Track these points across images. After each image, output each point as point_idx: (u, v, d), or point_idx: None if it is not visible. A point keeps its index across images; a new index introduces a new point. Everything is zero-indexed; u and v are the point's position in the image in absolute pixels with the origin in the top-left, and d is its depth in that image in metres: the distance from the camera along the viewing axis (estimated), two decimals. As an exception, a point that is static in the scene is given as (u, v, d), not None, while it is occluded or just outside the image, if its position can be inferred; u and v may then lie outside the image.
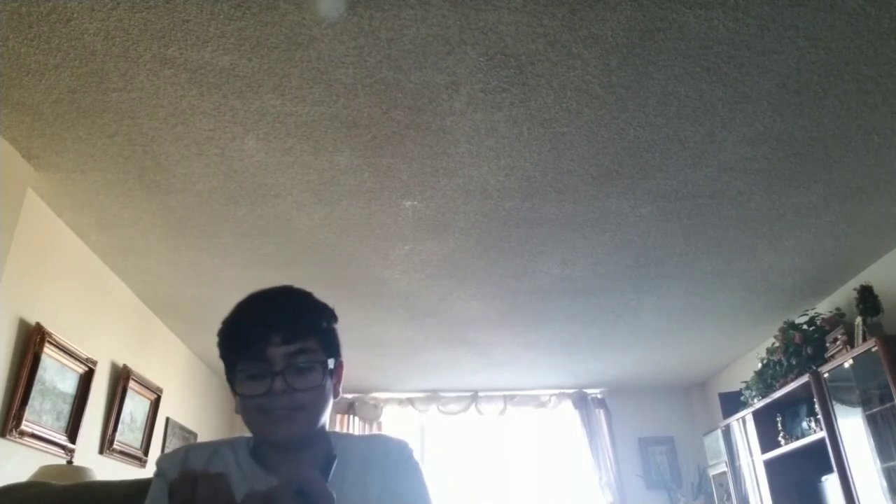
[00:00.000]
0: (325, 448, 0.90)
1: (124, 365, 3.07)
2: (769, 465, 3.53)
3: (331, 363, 0.89)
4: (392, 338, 3.83)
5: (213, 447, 0.91)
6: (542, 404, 5.05)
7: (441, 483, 4.79)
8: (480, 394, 5.02)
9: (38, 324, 2.34)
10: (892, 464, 2.52)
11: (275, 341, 0.84)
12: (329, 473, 0.73)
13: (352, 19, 1.58)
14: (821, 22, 1.63)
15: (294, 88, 1.81)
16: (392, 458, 0.92)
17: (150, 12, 1.55)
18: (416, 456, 0.96)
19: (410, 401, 4.99)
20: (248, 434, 0.91)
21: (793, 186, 2.37)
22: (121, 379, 3.03)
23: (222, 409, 4.55)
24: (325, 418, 0.90)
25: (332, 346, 0.91)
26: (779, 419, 3.52)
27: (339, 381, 0.94)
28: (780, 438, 3.48)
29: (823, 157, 2.20)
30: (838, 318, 3.06)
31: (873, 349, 2.63)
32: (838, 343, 2.99)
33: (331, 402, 0.90)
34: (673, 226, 2.62)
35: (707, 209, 2.50)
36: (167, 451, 3.59)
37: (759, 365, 3.68)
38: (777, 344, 3.45)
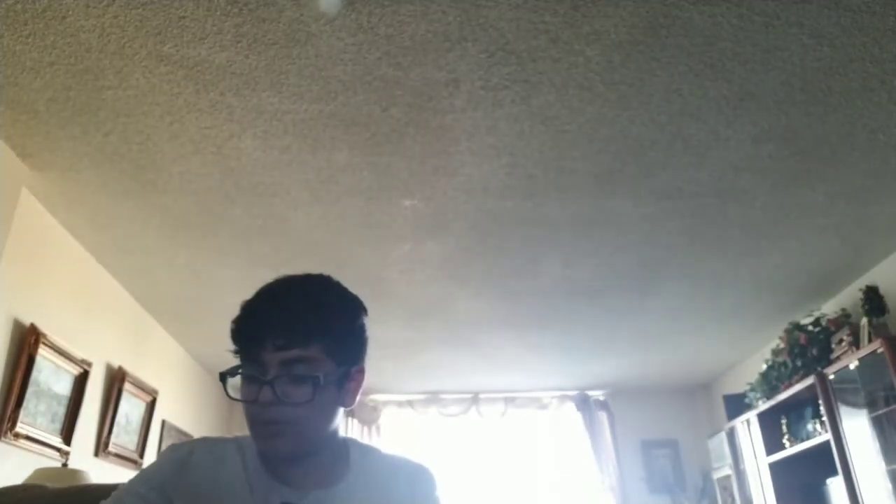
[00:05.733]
0: (333, 458, 0.85)
1: (119, 366, 3.04)
2: (774, 467, 3.50)
3: (337, 374, 0.80)
4: (391, 339, 3.80)
5: (221, 447, 0.86)
6: (544, 406, 5.02)
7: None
8: (481, 396, 4.98)
9: (32, 325, 2.32)
10: (898, 467, 2.50)
11: (268, 347, 0.77)
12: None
13: (350, 15, 1.56)
14: (826, 19, 1.61)
15: (292, 86, 1.78)
16: (420, 488, 0.88)
17: (146, 9, 1.53)
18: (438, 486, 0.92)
19: (410, 403, 4.96)
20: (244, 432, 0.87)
21: (798, 185, 2.34)
22: (116, 380, 3.00)
23: (219, 410, 4.51)
24: (328, 429, 0.83)
25: (346, 352, 0.82)
26: (783, 421, 3.49)
27: (354, 389, 0.85)
28: (784, 441, 3.45)
29: (829, 156, 2.17)
30: (844, 319, 3.03)
31: (879, 350, 2.60)
32: (844, 344, 2.96)
33: (334, 413, 0.83)
34: (676, 225, 2.60)
35: (711, 209, 2.47)
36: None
37: (764, 366, 3.64)
38: (782, 345, 3.42)
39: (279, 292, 0.83)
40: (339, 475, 0.85)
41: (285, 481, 0.82)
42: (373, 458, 0.90)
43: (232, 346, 0.82)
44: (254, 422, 0.79)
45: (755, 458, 3.69)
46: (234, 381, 0.81)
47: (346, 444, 0.89)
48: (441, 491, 0.91)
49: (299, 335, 0.78)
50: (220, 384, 0.84)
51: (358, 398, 0.87)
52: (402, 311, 3.40)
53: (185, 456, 0.84)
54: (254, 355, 0.78)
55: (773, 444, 3.51)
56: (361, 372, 0.87)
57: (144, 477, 0.84)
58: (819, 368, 3.05)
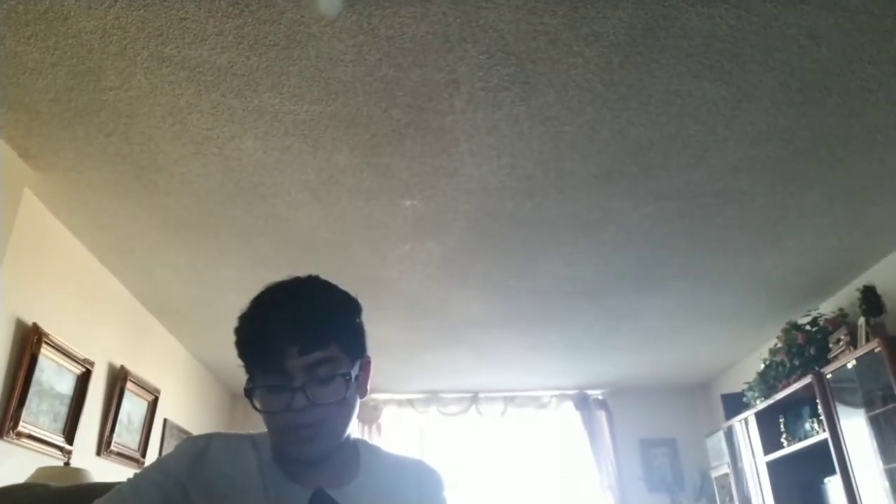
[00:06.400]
0: (348, 457, 0.87)
1: (122, 366, 3.05)
2: (772, 466, 3.50)
3: (356, 368, 0.84)
4: (391, 339, 3.81)
5: (236, 443, 0.88)
6: (543, 405, 5.03)
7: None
8: (481, 395, 4.99)
9: (35, 324, 2.33)
10: (894, 465, 2.50)
11: (292, 353, 0.78)
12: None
13: (351, 17, 1.57)
14: (823, 20, 1.62)
15: (293, 87, 1.79)
16: (428, 489, 0.89)
17: (148, 10, 1.54)
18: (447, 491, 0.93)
19: (410, 402, 4.97)
20: (257, 430, 0.88)
21: (796, 186, 2.35)
22: (118, 380, 3.01)
23: (220, 409, 4.52)
24: (352, 426, 0.86)
25: (356, 346, 0.86)
26: (781, 420, 3.49)
27: (366, 379, 0.89)
28: (782, 440, 3.46)
29: (826, 157, 2.18)
30: (841, 319, 3.04)
31: (876, 350, 2.61)
32: (841, 344, 2.97)
33: (357, 405, 0.86)
34: (675, 226, 2.60)
35: (709, 209, 2.48)
36: (165, 452, 3.57)
37: (762, 366, 3.65)
38: (780, 345, 3.43)
39: (284, 300, 0.83)
40: (351, 474, 0.86)
41: (299, 480, 0.83)
42: (380, 457, 0.91)
43: (244, 359, 0.82)
44: (286, 429, 0.80)
45: (753, 456, 3.70)
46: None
47: (356, 443, 0.90)
48: (448, 492, 0.92)
49: (318, 337, 0.80)
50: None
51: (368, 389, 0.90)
52: (402, 311, 3.40)
53: (201, 449, 0.85)
54: (275, 365, 0.79)
55: (770, 443, 3.52)
56: (369, 362, 0.90)
57: (161, 466, 0.85)
58: (817, 368, 3.05)
